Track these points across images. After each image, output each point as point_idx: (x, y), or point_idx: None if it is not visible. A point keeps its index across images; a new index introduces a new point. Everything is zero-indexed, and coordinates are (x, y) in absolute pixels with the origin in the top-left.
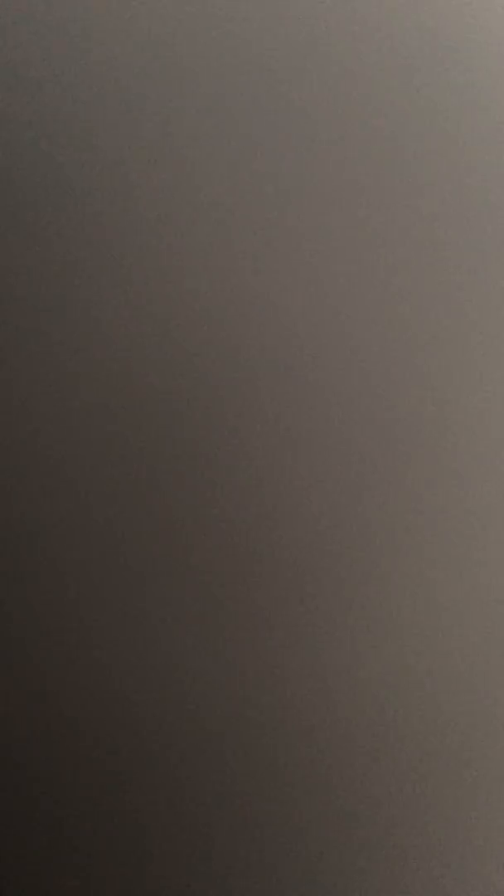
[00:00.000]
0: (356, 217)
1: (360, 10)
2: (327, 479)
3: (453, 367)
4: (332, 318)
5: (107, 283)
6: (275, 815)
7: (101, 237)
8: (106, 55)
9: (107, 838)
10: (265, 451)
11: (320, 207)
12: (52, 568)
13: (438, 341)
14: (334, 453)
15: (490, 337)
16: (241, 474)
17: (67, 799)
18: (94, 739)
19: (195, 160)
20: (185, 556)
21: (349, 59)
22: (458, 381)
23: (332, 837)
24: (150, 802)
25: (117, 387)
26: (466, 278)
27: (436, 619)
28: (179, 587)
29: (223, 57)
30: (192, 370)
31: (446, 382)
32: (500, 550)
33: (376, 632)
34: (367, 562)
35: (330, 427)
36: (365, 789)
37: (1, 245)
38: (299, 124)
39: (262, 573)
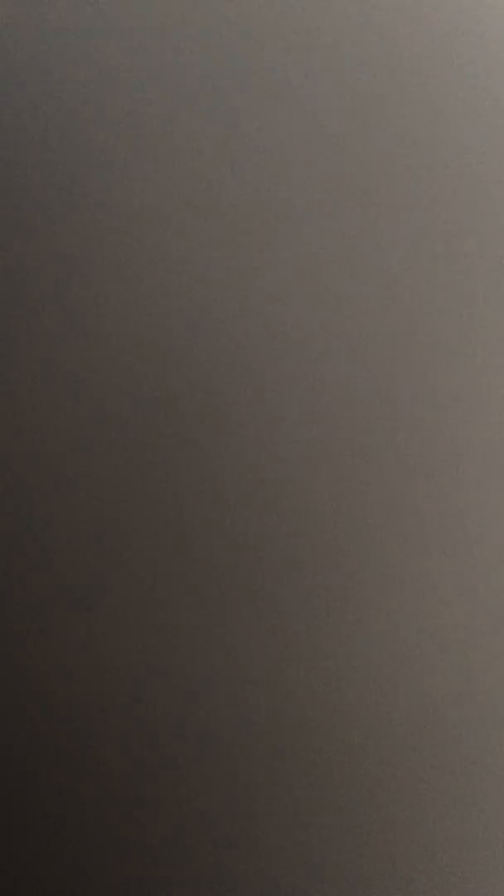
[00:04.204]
0: (357, 214)
1: (361, 8)
2: (328, 474)
3: (454, 360)
4: (333, 313)
5: (107, 280)
6: (275, 810)
7: (101, 233)
8: (106, 56)
9: (107, 836)
10: (267, 446)
11: (321, 204)
12: (52, 565)
13: (439, 337)
14: (334, 447)
15: (492, 334)
16: (242, 469)
17: (68, 796)
18: (94, 735)
19: (196, 154)
20: (185, 550)
21: (350, 55)
22: (459, 374)
23: (332, 831)
24: (150, 797)
25: (118, 384)
26: (467, 274)
27: (436, 613)
28: (180, 582)
29: (224, 54)
30: (193, 367)
31: (447, 376)
32: (500, 544)
33: (376, 627)
34: (367, 556)
35: (331, 421)
36: (365, 783)
37: (1, 242)
38: (300, 122)
39: (262, 567)
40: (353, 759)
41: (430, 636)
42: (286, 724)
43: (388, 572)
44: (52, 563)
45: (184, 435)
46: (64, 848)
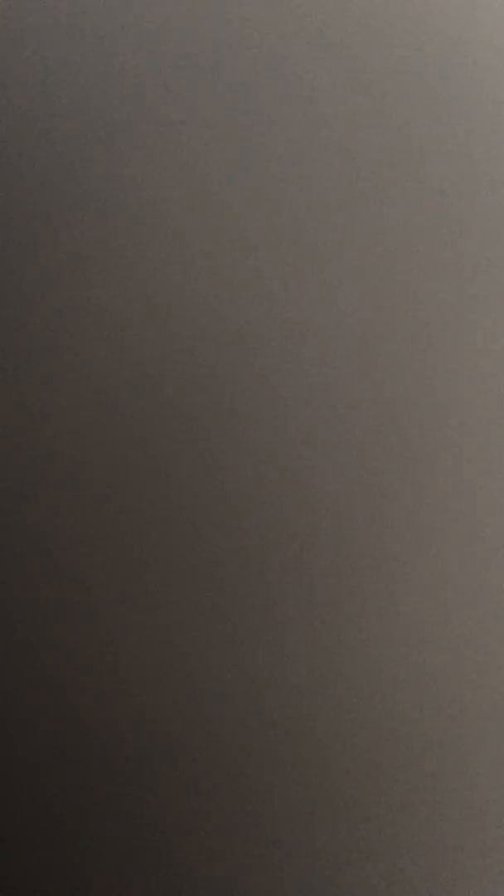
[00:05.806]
0: (357, 210)
1: (361, 7)
2: (329, 471)
3: (454, 354)
4: (333, 309)
5: (108, 277)
6: (274, 807)
7: (102, 228)
8: (107, 57)
9: (106, 835)
10: (268, 442)
11: (321, 200)
12: (53, 562)
13: (440, 333)
14: (336, 444)
15: (491, 332)
16: (243, 466)
17: (67, 794)
18: (94, 733)
19: (196, 151)
20: (186, 548)
21: (351, 53)
22: (459, 370)
23: (333, 830)
24: (150, 795)
25: (118, 382)
26: (468, 272)
27: (438, 610)
28: (180, 579)
29: (225, 52)
30: (194, 365)
31: (447, 372)
32: (501, 542)
33: (377, 623)
34: (368, 553)
35: (332, 418)
36: (365, 781)
37: (2, 239)
38: (301, 119)
39: (263, 563)
40: (354, 757)
41: (430, 630)
42: (286, 720)
43: (388, 568)
44: (51, 562)
45: (184, 432)
46: (63, 847)
